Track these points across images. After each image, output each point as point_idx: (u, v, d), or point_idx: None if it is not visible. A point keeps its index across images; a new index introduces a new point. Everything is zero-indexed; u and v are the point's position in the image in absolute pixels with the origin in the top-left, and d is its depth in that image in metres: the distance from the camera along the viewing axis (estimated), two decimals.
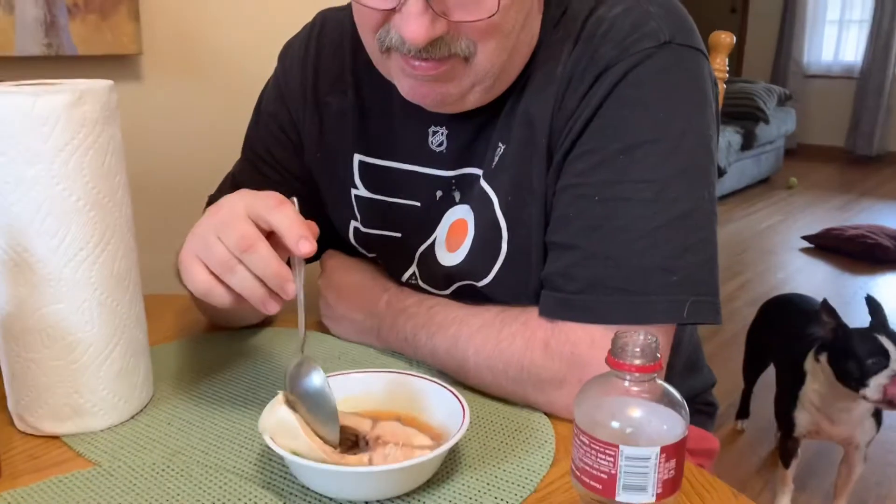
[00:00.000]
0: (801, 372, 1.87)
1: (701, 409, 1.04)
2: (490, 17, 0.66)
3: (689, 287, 0.70)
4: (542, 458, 0.65)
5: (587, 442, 0.49)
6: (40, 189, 0.63)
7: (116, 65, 1.15)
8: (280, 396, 0.61)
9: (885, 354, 1.67)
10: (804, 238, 4.24)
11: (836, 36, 6.80)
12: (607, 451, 0.48)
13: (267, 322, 0.95)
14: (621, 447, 0.48)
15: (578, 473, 0.52)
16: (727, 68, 1.21)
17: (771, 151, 5.84)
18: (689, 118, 0.72)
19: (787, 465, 1.94)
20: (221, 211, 0.64)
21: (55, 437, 0.68)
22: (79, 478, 0.61)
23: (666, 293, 0.69)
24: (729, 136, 5.12)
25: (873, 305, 1.77)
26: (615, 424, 0.49)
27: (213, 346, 0.88)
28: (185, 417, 0.72)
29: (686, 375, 1.02)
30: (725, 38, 1.21)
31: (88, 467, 0.63)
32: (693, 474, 0.63)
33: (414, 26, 0.65)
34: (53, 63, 1.09)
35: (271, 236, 0.63)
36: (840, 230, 4.14)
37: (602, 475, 0.49)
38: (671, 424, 0.49)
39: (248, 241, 0.61)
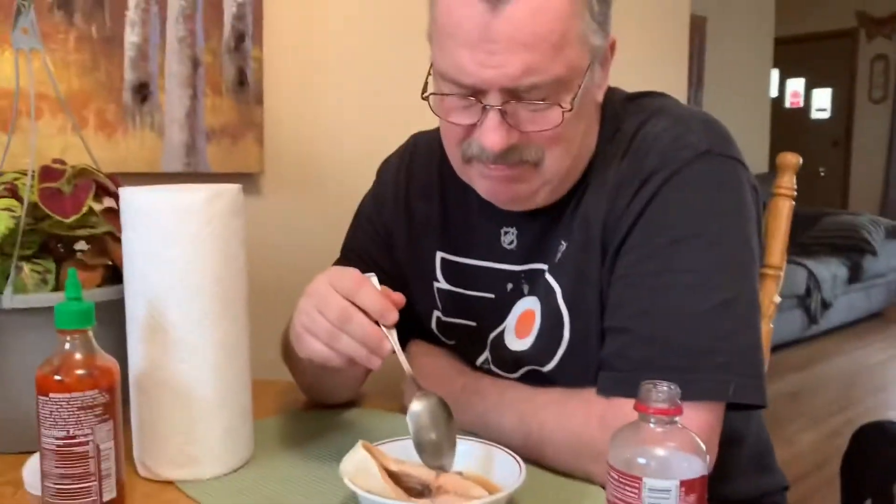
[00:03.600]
0: None
1: None
2: (555, 127, 0.79)
3: (732, 368, 0.76)
4: None
5: (616, 477, 0.56)
6: (177, 266, 0.77)
7: (241, 181, 1.34)
8: (359, 445, 0.71)
9: None
10: None
11: None
12: (632, 484, 0.55)
13: (354, 403, 1.05)
14: (644, 479, 0.54)
15: None
16: (794, 187, 1.28)
17: (882, 286, 5.64)
18: (727, 218, 0.81)
19: None
20: (318, 291, 0.77)
21: (170, 483, 0.79)
22: None
23: (710, 372, 0.76)
24: (834, 269, 4.99)
25: None
26: (640, 460, 0.56)
27: (307, 421, 0.99)
28: (281, 473, 0.82)
29: (754, 474, 1.04)
30: (791, 159, 1.29)
31: None
32: None
33: (492, 137, 0.78)
34: (191, 179, 1.29)
35: None
36: None
37: None
38: (691, 462, 0.55)
39: (346, 315, 0.74)
